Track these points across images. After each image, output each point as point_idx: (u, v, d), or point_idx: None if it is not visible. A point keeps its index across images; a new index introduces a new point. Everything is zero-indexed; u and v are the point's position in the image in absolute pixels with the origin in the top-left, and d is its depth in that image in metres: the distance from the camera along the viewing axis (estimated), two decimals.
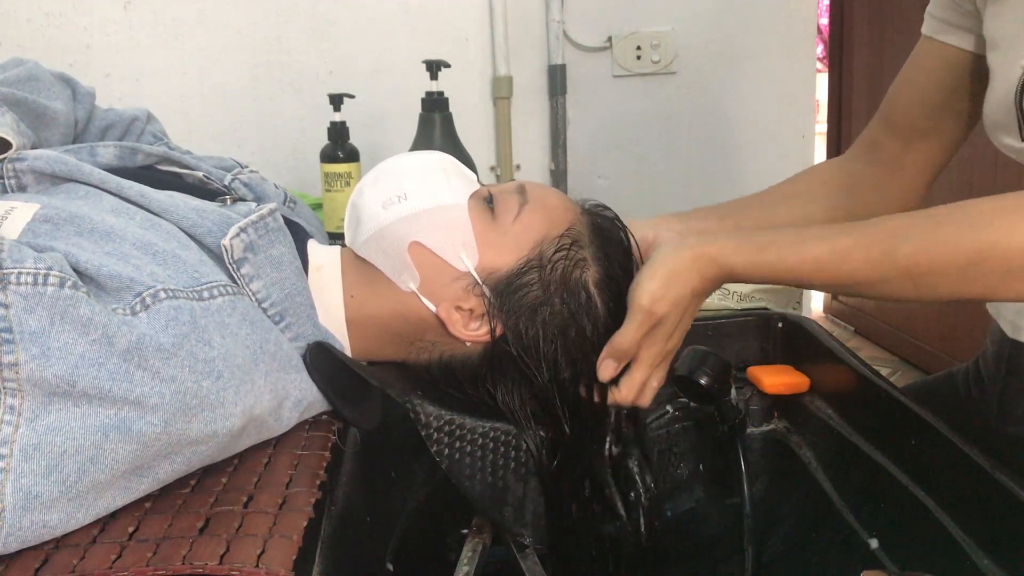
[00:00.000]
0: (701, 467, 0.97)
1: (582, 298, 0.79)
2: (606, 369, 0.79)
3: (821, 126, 2.94)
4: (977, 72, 0.94)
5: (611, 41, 1.89)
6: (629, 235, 0.84)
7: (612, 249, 0.81)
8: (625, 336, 0.77)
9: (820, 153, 2.62)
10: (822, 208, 1.00)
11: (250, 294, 0.73)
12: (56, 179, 0.80)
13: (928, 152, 1.00)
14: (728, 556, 0.91)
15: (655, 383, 0.81)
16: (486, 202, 0.81)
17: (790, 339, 1.00)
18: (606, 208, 0.85)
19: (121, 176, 0.79)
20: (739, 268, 0.75)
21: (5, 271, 0.56)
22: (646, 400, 0.81)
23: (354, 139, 1.50)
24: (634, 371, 0.79)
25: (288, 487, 0.65)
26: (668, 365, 0.82)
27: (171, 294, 0.63)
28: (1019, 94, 0.81)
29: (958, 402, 1.03)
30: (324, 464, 0.69)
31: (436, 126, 1.47)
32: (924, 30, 0.97)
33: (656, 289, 0.75)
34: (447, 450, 0.80)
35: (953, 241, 0.68)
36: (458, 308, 0.78)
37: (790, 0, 1.94)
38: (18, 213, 0.70)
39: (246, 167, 0.94)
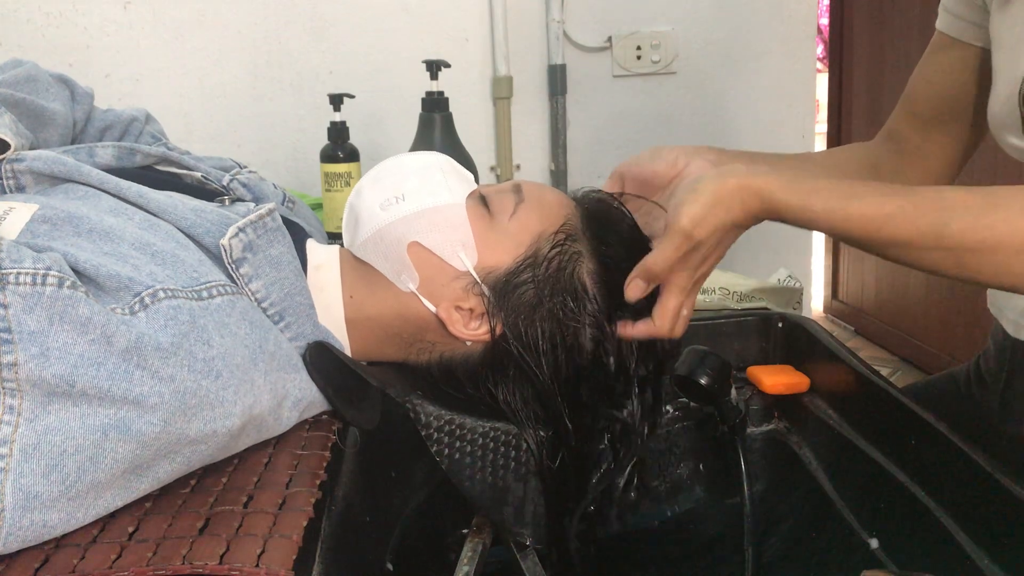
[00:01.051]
0: (701, 467, 0.97)
1: (578, 292, 0.79)
2: (635, 289, 0.77)
3: (821, 126, 2.94)
4: (985, 67, 0.94)
5: (611, 41, 1.89)
6: (625, 211, 0.83)
7: (607, 234, 0.81)
8: (659, 256, 0.75)
9: None
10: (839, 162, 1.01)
11: (249, 294, 0.73)
12: (55, 180, 0.80)
13: (948, 144, 1.00)
14: (728, 556, 0.91)
15: (686, 311, 0.78)
16: (483, 201, 0.81)
17: (790, 339, 1.00)
18: (599, 192, 0.85)
19: (120, 177, 0.79)
20: (784, 207, 0.72)
21: (4, 271, 0.56)
22: (680, 330, 0.79)
23: (354, 139, 1.50)
24: (666, 298, 0.77)
25: (288, 487, 0.65)
26: (697, 293, 0.79)
27: (170, 294, 0.63)
28: (1023, 94, 0.81)
29: (958, 402, 1.03)
30: (324, 464, 0.69)
31: (436, 126, 1.47)
32: (938, 25, 0.97)
33: (697, 212, 0.72)
34: (447, 450, 0.80)
35: (1005, 226, 0.66)
36: (458, 308, 0.78)
37: (790, 0, 1.94)
38: (17, 213, 0.70)
39: (245, 167, 0.94)
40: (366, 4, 1.82)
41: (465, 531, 0.83)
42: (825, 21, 3.32)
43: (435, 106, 1.47)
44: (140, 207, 0.76)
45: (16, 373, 0.55)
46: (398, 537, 0.81)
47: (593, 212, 0.82)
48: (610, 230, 0.81)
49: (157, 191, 0.79)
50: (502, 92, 1.86)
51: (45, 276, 0.57)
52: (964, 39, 0.94)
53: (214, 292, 0.67)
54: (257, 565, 0.55)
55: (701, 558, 0.95)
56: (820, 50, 2.93)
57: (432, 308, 0.79)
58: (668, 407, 0.96)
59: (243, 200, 0.87)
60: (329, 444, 0.72)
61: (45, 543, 0.58)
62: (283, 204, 0.93)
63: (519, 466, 0.82)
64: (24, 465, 0.55)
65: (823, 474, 0.89)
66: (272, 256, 0.75)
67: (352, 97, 1.49)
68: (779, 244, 1.92)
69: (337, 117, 1.49)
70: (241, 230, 0.73)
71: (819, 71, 2.44)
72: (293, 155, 1.85)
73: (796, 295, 1.20)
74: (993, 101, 0.87)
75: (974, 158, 1.02)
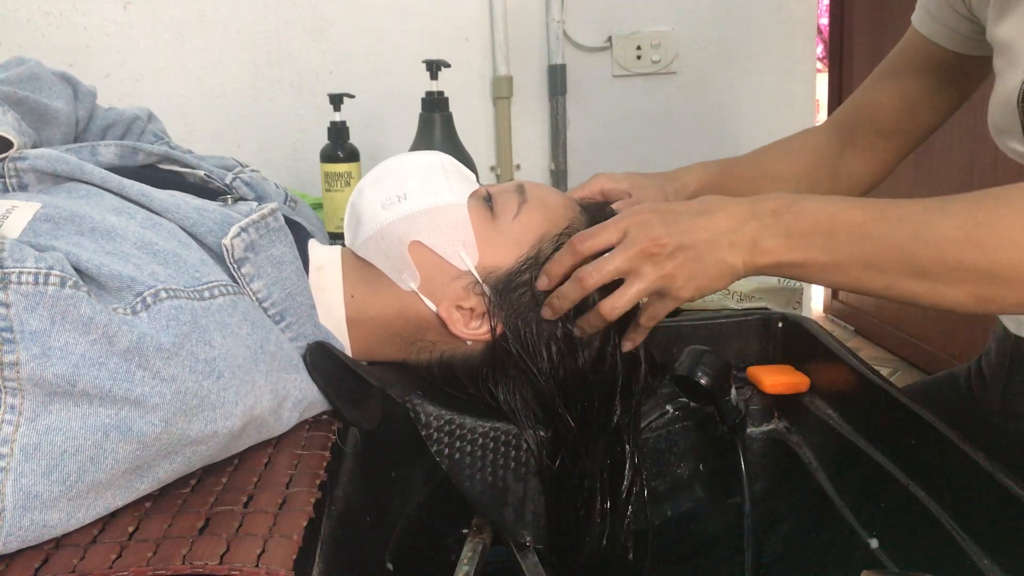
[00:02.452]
0: (701, 467, 0.97)
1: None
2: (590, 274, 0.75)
3: None
4: (959, 70, 0.96)
5: (611, 41, 1.89)
6: None
7: None
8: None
9: None
10: (802, 169, 1.07)
11: (251, 294, 0.73)
12: (57, 178, 0.80)
13: (899, 142, 1.04)
14: (728, 556, 0.91)
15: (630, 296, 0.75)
16: (485, 201, 0.81)
17: (790, 339, 1.00)
18: (604, 204, 0.86)
19: (122, 175, 0.79)
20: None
21: (6, 270, 0.56)
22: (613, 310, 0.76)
23: (354, 139, 1.50)
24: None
25: (288, 487, 0.65)
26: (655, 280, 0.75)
27: (172, 294, 0.63)
28: (1021, 100, 0.82)
29: (959, 401, 1.03)
30: (324, 464, 0.69)
31: (436, 126, 1.47)
32: (914, 21, 0.98)
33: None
34: (447, 450, 0.80)
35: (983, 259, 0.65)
36: (459, 307, 0.78)
37: (790, 0, 1.94)
38: (19, 212, 0.70)
39: (247, 166, 0.94)
40: (366, 4, 1.82)
41: (465, 531, 0.83)
42: (825, 21, 3.32)
43: (435, 106, 1.47)
44: (143, 206, 0.76)
45: (18, 372, 0.55)
46: (398, 537, 0.81)
47: (598, 219, 0.83)
48: None
49: (160, 190, 0.79)
50: (502, 92, 1.86)
51: (47, 275, 0.57)
52: (938, 42, 0.96)
53: (216, 292, 0.67)
54: (257, 565, 0.55)
55: (701, 558, 0.95)
56: (820, 50, 2.93)
57: (433, 307, 0.79)
58: (668, 407, 0.96)
59: (246, 199, 0.87)
60: (329, 444, 0.72)
61: (45, 543, 0.58)
62: (285, 204, 0.93)
63: (519, 466, 0.82)
64: (25, 465, 0.55)
65: (823, 474, 0.89)
66: (274, 256, 0.75)
67: (352, 97, 1.49)
68: None
69: (337, 117, 1.49)
70: (243, 229, 0.74)
71: (819, 71, 2.44)
72: (293, 155, 1.85)
73: (796, 295, 1.20)
74: (993, 104, 0.87)
75: (974, 158, 1.04)
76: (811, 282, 0.73)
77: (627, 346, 0.80)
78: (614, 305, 0.75)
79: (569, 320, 0.78)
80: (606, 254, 0.74)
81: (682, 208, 0.75)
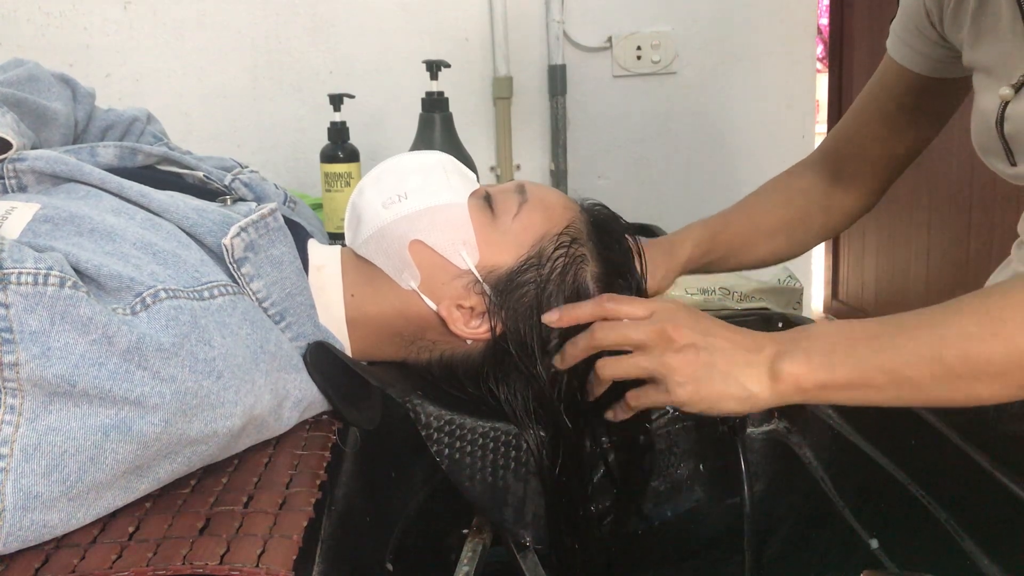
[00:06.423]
0: (701, 467, 0.97)
1: (580, 295, 0.79)
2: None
3: (821, 126, 2.94)
4: (938, 93, 0.97)
5: (611, 41, 1.89)
6: (629, 230, 0.84)
7: (612, 245, 0.82)
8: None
9: None
10: (796, 215, 1.06)
11: (250, 294, 0.73)
12: (57, 179, 0.80)
13: (887, 169, 1.04)
14: (728, 556, 0.91)
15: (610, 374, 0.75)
16: (486, 201, 0.81)
17: None
18: (604, 207, 0.86)
19: (121, 176, 0.79)
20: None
21: (6, 271, 0.56)
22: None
23: (354, 139, 1.50)
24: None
25: (288, 487, 0.65)
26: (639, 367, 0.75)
27: (171, 294, 0.63)
28: (999, 123, 0.82)
29: None
30: (324, 464, 0.69)
31: (436, 126, 1.47)
32: (889, 49, 0.99)
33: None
34: (447, 450, 0.80)
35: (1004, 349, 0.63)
36: (459, 306, 0.78)
37: (790, 0, 1.94)
38: (18, 213, 0.70)
39: (246, 167, 0.94)
40: (366, 4, 1.82)
41: (465, 531, 0.83)
42: (825, 21, 3.32)
43: (435, 106, 1.47)
44: (142, 206, 0.76)
45: (17, 373, 0.55)
46: (398, 537, 0.81)
47: (599, 220, 0.83)
48: (614, 240, 0.82)
49: (159, 191, 0.79)
50: (502, 92, 1.86)
51: (47, 276, 0.57)
52: (912, 68, 0.97)
53: (215, 292, 0.67)
54: (257, 565, 0.55)
55: (701, 558, 0.95)
56: (820, 50, 2.93)
57: (433, 306, 0.79)
58: (668, 407, 0.96)
59: (245, 200, 0.87)
60: (329, 444, 0.72)
61: (45, 543, 0.58)
62: (285, 204, 0.93)
63: (519, 466, 0.82)
64: (25, 465, 0.55)
65: (823, 474, 0.89)
66: (274, 256, 0.75)
67: (352, 97, 1.49)
68: None
69: (337, 117, 1.49)
70: (243, 229, 0.74)
71: (819, 71, 2.44)
72: (293, 155, 1.85)
73: (796, 295, 1.20)
74: (974, 123, 0.88)
75: (970, 176, 1.04)
76: (838, 403, 0.71)
77: (608, 415, 0.79)
78: (610, 366, 0.75)
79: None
80: (627, 321, 0.75)
81: (712, 318, 0.75)
